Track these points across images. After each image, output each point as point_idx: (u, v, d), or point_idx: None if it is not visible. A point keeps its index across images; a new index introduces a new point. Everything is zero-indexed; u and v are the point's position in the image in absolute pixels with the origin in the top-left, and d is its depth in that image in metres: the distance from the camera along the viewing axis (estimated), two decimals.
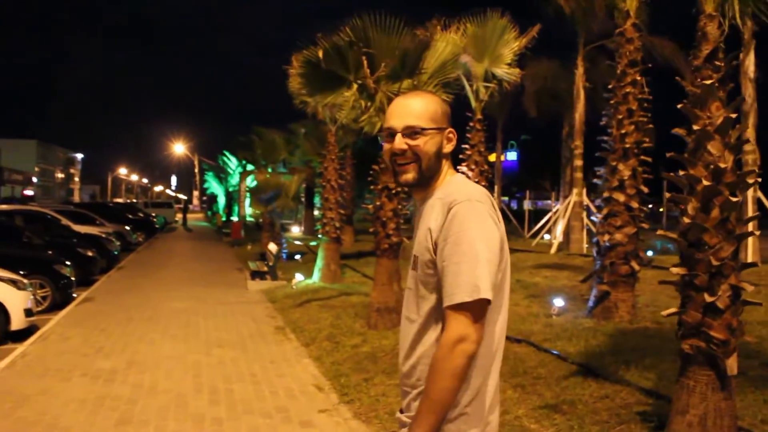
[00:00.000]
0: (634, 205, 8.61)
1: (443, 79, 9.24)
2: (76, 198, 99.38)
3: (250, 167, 34.65)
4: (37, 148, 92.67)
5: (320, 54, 8.67)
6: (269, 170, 27.02)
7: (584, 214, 19.33)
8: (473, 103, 12.76)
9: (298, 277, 14.20)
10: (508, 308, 2.14)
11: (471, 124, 12.89)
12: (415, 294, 2.10)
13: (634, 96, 8.67)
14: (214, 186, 52.20)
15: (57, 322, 10.18)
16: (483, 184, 12.90)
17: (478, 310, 1.91)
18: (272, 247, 15.64)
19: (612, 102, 8.88)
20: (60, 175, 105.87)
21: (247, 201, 36.59)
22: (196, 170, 64.23)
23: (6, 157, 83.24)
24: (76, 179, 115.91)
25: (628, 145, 8.61)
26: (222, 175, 48.26)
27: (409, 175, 2.12)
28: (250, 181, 35.88)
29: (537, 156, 37.23)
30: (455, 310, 1.91)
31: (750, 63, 15.44)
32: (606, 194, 8.77)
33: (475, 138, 12.81)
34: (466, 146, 13.00)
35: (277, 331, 9.53)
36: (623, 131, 8.65)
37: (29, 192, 75.43)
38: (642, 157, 8.72)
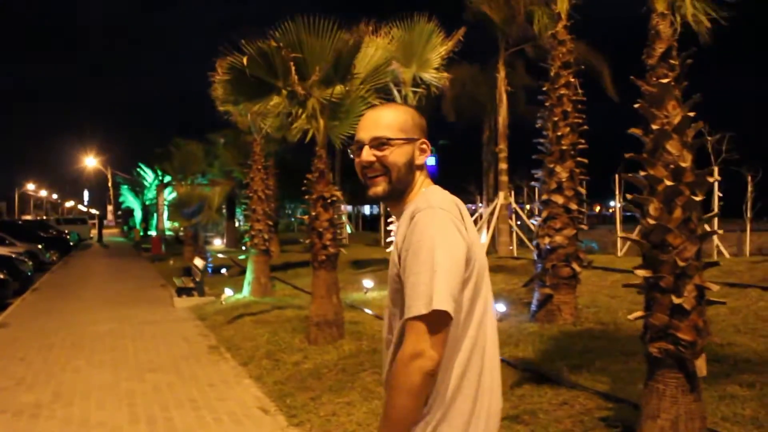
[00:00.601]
0: (573, 206, 8.60)
1: (375, 84, 9.04)
2: None
3: (168, 179, 33.62)
4: None
5: (245, 61, 8.32)
6: (189, 182, 26.22)
7: (514, 216, 19.51)
8: None
9: (227, 291, 13.73)
10: (492, 321, 2.05)
11: None
12: (390, 311, 2.03)
13: (568, 98, 8.67)
14: (130, 200, 50.64)
15: None
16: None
17: (435, 323, 1.78)
18: (198, 261, 15.10)
19: (547, 104, 8.87)
20: None
21: (165, 214, 35.55)
22: (110, 184, 62.04)
23: None
24: None
25: (564, 147, 8.60)
26: (138, 188, 46.84)
27: (379, 188, 2.04)
28: (168, 194, 34.87)
29: (456, 161, 37.54)
30: (412, 323, 1.80)
31: None
32: (544, 197, 8.73)
33: None
34: None
35: (211, 351, 9.09)
36: (559, 133, 8.64)
37: None
38: (578, 159, 8.72)
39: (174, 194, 29.96)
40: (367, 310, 10.78)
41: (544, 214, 8.68)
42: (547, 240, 8.62)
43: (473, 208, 27.05)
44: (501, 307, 9.23)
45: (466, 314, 1.91)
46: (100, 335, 10.44)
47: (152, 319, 12.01)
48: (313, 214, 8.52)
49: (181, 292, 14.27)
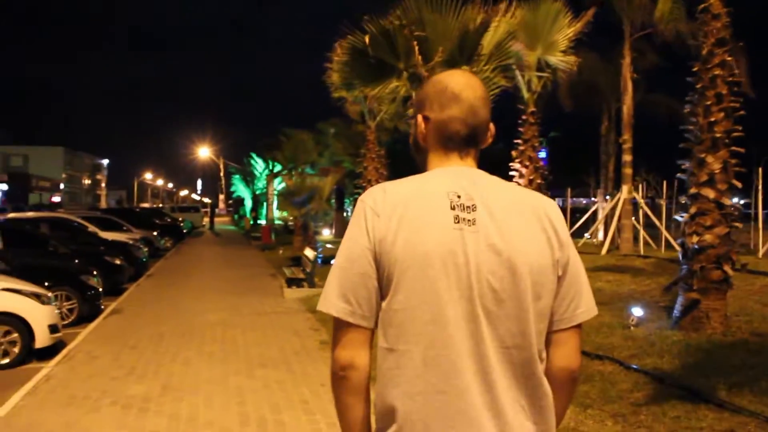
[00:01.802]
0: (726, 202, 7.62)
1: (500, 63, 8.33)
2: (103, 204, 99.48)
3: (278, 169, 33.92)
4: (64, 154, 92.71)
5: (367, 40, 7.80)
6: (299, 171, 26.23)
7: (641, 211, 18.29)
8: (525, 95, 11.82)
9: None
10: (450, 331, 1.60)
11: (523, 117, 11.94)
12: None
13: (723, 79, 7.68)
14: (240, 189, 51.72)
15: (84, 338, 9.41)
16: (538, 182, 11.96)
17: (336, 324, 1.69)
18: (309, 252, 14.82)
19: (698, 87, 7.90)
20: (87, 181, 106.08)
21: (275, 204, 35.93)
22: (222, 174, 63.77)
23: (34, 164, 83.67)
24: (103, 185, 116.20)
25: (717, 135, 7.62)
26: (248, 178, 47.75)
27: None
28: (277, 184, 35.19)
29: (567, 153, 35.99)
30: None
31: None
32: (693, 190, 7.79)
33: (528, 132, 11.87)
34: (519, 141, 12.07)
35: (323, 347, 8.66)
36: (711, 119, 7.67)
37: (57, 198, 75.52)
38: (733, 148, 7.72)
39: (283, 184, 30.14)
40: None
41: (693, 209, 7.74)
42: (695, 238, 7.68)
43: (586, 202, 25.83)
44: (638, 311, 8.35)
45: (386, 323, 1.64)
46: (211, 325, 10.24)
47: (262, 310, 11.77)
48: None
49: (292, 282, 14.02)
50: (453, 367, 1.58)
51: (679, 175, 8.22)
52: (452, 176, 1.70)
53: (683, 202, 8.08)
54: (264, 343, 8.97)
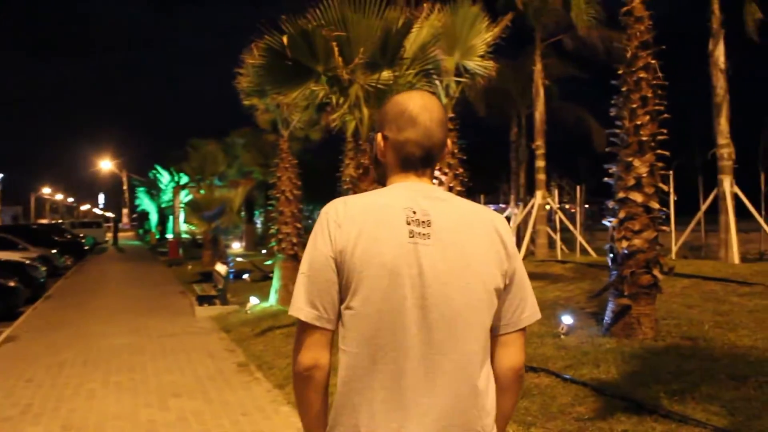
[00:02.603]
0: (654, 205, 7.53)
1: (423, 67, 8.01)
2: None
3: (185, 181, 32.76)
4: None
5: (285, 40, 7.30)
6: (207, 183, 25.31)
7: (557, 217, 18.41)
8: (444, 100, 11.56)
9: (253, 300, 12.72)
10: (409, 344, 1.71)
11: None
12: None
13: (647, 82, 7.59)
14: (145, 203, 49.85)
15: None
16: (458, 189, 11.72)
17: (299, 328, 1.79)
18: (220, 267, 14.11)
19: (623, 89, 7.79)
20: None
21: (182, 217, 34.70)
22: (125, 187, 61.44)
23: None
24: None
25: (644, 138, 7.52)
26: (153, 191, 46.04)
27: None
28: (184, 196, 34.01)
29: (477, 160, 36.38)
30: None
31: (720, 54, 14.74)
32: (621, 195, 7.66)
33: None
34: None
35: (240, 370, 8.09)
36: (637, 122, 7.56)
37: None
38: (659, 151, 7.64)
39: (190, 196, 29.09)
40: None
41: (621, 214, 7.61)
42: (624, 243, 7.55)
43: (501, 208, 26.02)
44: (567, 319, 8.16)
45: (346, 327, 1.75)
46: (116, 350, 9.46)
47: (172, 331, 11.04)
48: None
49: (203, 300, 13.29)
50: (400, 370, 1.69)
51: (606, 179, 8.08)
52: (409, 192, 1.79)
53: (611, 206, 7.95)
54: (176, 369, 8.30)
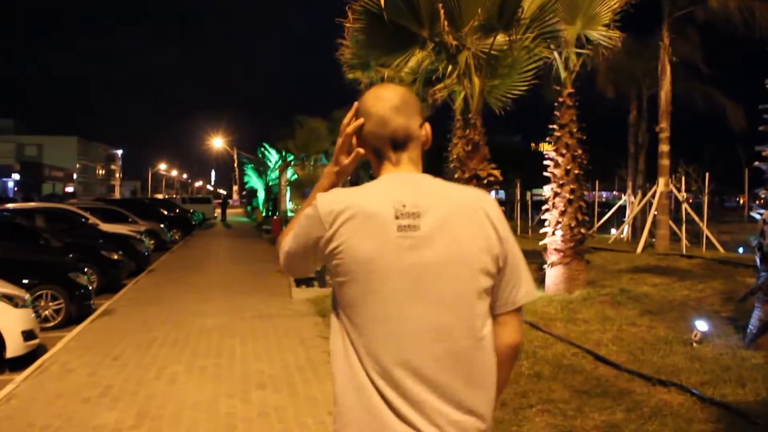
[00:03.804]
0: None
1: (542, 31, 7.07)
2: (117, 194, 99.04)
3: (290, 159, 32.77)
4: (78, 144, 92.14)
5: (382, 2, 6.56)
6: (312, 162, 25.05)
7: (684, 207, 16.93)
8: (562, 74, 10.56)
9: None
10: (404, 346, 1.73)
11: (560, 99, 10.70)
12: None
13: None
14: (253, 180, 50.68)
15: (64, 346, 8.30)
16: (576, 172, 10.71)
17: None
18: None
19: None
20: (101, 172, 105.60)
21: (287, 195, 34.81)
22: (236, 164, 62.83)
23: (48, 153, 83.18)
24: (117, 175, 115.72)
25: None
26: (261, 168, 46.69)
27: None
28: (290, 174, 34.06)
29: (591, 144, 34.52)
30: None
31: None
32: None
33: (566, 116, 10.63)
34: (554, 126, 10.81)
35: None
36: None
37: (70, 189, 74.93)
38: None
39: (296, 175, 29.00)
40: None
41: None
42: None
43: (606, 196, 24.47)
44: (702, 325, 7.10)
45: (339, 308, 1.82)
46: (207, 331, 9.09)
47: (267, 312, 10.63)
48: None
49: (300, 282, 12.84)
50: (393, 363, 1.71)
51: (757, 163, 6.92)
52: (397, 184, 1.81)
53: (763, 196, 6.81)
54: (265, 355, 7.80)
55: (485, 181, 6.65)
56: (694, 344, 6.92)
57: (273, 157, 41.71)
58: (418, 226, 1.72)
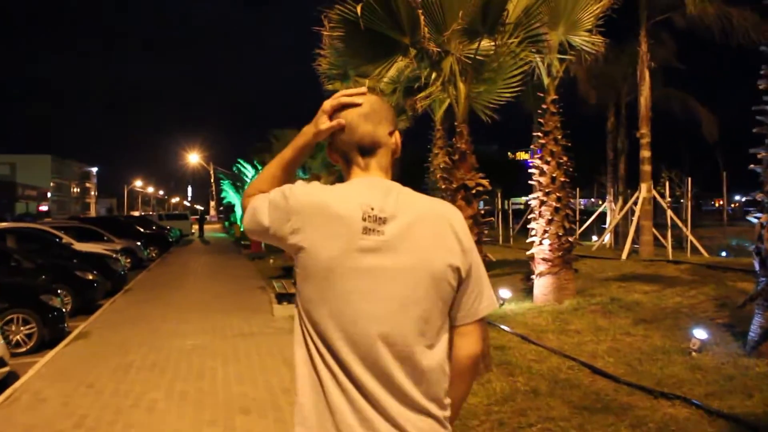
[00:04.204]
0: None
1: (528, 33, 6.85)
2: (92, 212, 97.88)
3: None
4: (52, 162, 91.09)
5: (359, 9, 6.30)
6: None
7: (668, 214, 16.82)
8: (545, 80, 10.41)
9: None
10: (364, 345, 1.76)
11: (543, 106, 10.54)
12: None
13: None
14: (230, 195, 50.22)
15: (36, 373, 7.91)
16: (562, 180, 10.52)
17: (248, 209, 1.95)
18: None
19: None
20: (76, 189, 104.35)
21: None
22: (212, 180, 62.32)
23: (21, 172, 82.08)
24: (93, 193, 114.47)
25: None
26: (238, 183, 46.23)
27: None
28: None
29: (580, 150, 34.61)
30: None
31: None
32: None
33: (550, 123, 10.48)
34: (538, 134, 10.64)
35: None
36: None
37: (44, 207, 73.90)
38: None
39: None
40: (504, 328, 8.66)
41: None
42: None
43: (584, 203, 24.42)
44: (700, 333, 6.89)
45: (299, 303, 1.86)
46: (187, 353, 8.74)
47: (248, 331, 10.30)
48: None
49: (282, 298, 12.51)
50: (345, 359, 1.73)
51: (752, 166, 6.75)
52: (367, 187, 1.84)
53: (759, 199, 6.63)
54: (248, 377, 7.48)
55: (474, 191, 6.39)
56: (693, 353, 6.72)
57: (249, 171, 41.33)
58: (382, 231, 1.75)
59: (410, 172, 24.15)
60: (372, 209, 1.77)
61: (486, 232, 6.72)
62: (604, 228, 23.93)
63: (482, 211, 6.70)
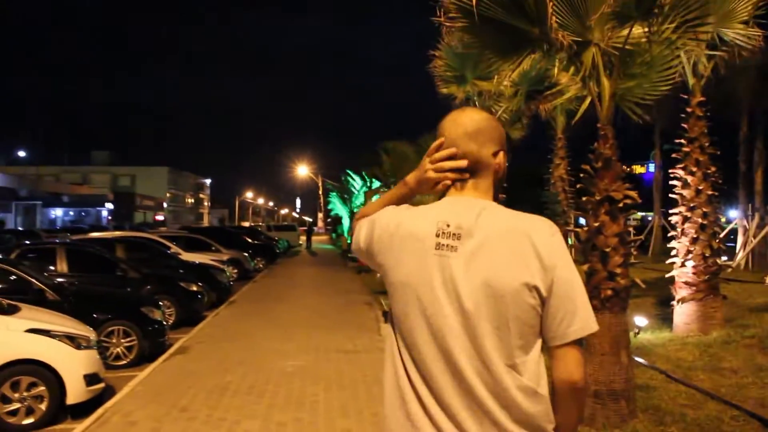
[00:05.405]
0: None
1: (686, 16, 5.78)
2: (205, 222, 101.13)
3: (376, 185, 31.97)
4: (169, 174, 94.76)
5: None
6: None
7: None
8: (690, 80, 9.18)
9: None
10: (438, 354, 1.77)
11: (688, 109, 9.32)
12: None
13: None
14: (338, 207, 50.31)
15: (130, 391, 7.46)
16: (709, 193, 9.26)
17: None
18: None
19: None
20: (190, 200, 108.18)
21: None
22: (320, 192, 62.88)
23: (140, 184, 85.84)
24: (206, 203, 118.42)
25: None
26: (346, 195, 46.18)
27: None
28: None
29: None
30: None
31: None
32: None
33: (695, 129, 9.25)
34: (682, 141, 9.43)
35: None
36: None
37: (160, 217, 76.70)
38: None
39: None
40: (642, 361, 7.52)
41: None
42: None
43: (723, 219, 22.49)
44: None
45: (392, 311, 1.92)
46: (288, 376, 8.07)
47: (353, 350, 9.64)
48: (595, 224, 5.42)
49: (388, 316, 11.77)
50: (429, 374, 1.75)
51: None
52: (450, 205, 1.86)
53: None
54: (353, 407, 6.71)
55: (621, 205, 5.38)
56: None
57: (357, 183, 41.13)
58: (456, 247, 1.76)
59: (520, 184, 23.01)
60: (448, 226, 1.78)
61: (635, 253, 5.69)
62: (732, 247, 21.98)
63: (631, 228, 5.68)
